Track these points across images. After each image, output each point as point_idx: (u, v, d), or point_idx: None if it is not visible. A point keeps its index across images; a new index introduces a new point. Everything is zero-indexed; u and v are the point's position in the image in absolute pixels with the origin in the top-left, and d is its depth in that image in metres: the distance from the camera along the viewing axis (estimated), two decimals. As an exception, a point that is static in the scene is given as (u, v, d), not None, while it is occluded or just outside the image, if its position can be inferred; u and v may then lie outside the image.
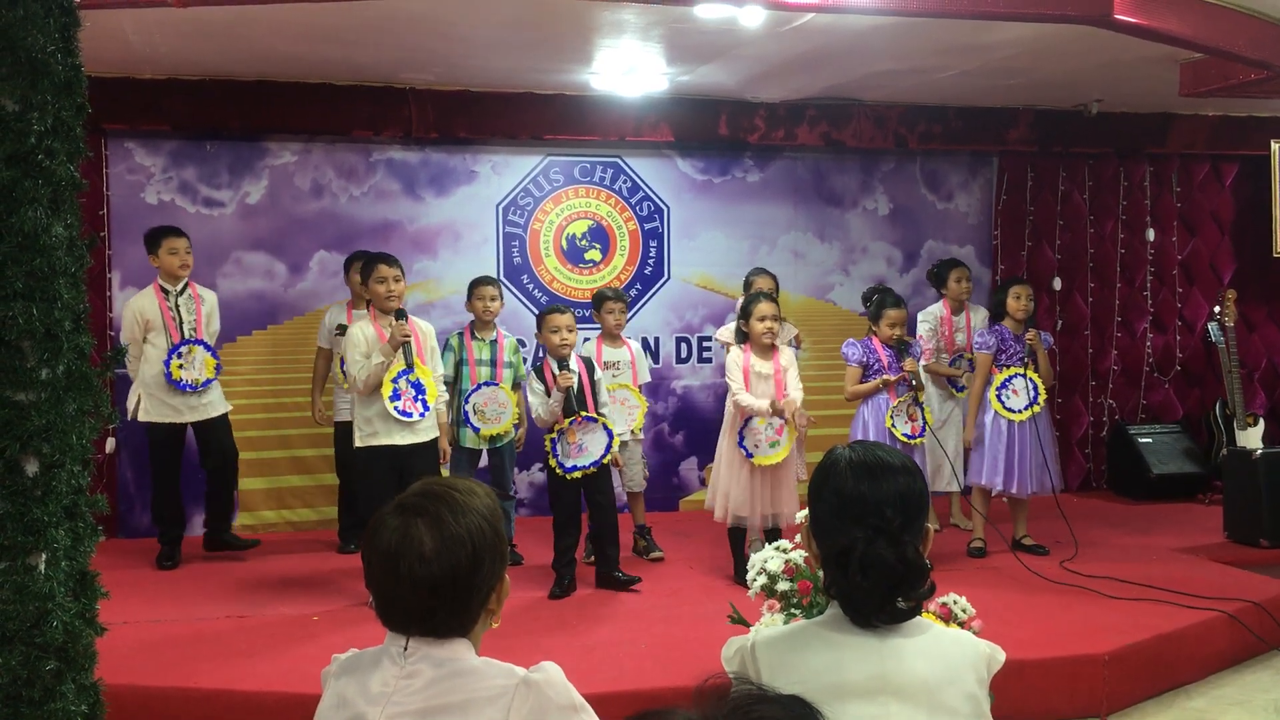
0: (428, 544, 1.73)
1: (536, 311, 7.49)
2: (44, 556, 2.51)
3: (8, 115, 2.48)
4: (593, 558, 5.85)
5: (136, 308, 6.01)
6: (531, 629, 4.96)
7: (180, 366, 5.95)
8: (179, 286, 6.05)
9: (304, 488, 7.14)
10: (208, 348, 6.07)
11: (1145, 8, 5.07)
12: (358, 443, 5.39)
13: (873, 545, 1.82)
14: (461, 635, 1.79)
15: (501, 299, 6.22)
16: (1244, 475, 6.59)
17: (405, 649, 1.77)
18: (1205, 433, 8.23)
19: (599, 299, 6.41)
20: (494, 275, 6.98)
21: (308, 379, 6.83)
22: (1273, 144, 8.05)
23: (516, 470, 6.96)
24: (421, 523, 1.75)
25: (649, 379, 6.56)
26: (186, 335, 6.00)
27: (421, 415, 5.35)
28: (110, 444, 6.72)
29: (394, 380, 5.30)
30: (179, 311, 6.01)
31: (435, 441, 5.49)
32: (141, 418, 6.01)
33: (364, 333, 5.36)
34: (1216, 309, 7.71)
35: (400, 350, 5.28)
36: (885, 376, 5.85)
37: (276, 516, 7.09)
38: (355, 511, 6.53)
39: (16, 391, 2.48)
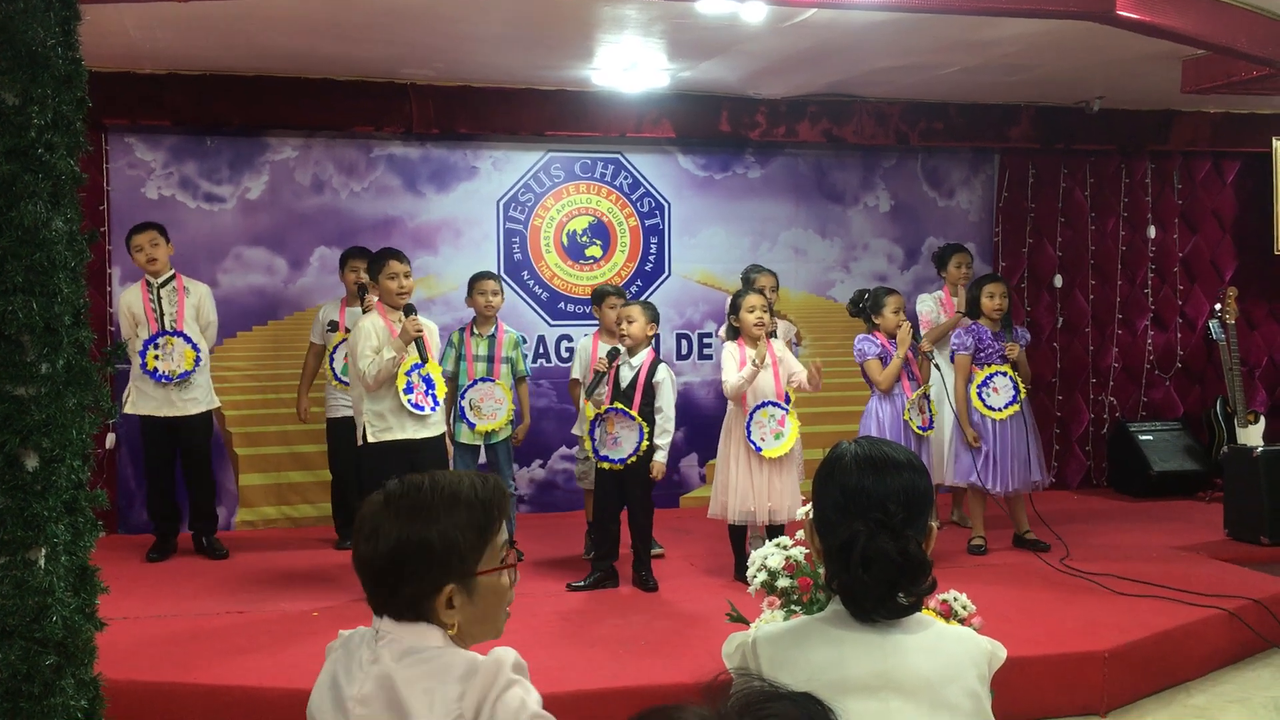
0: (370, 525, 1.79)
1: (537, 307, 7.56)
2: (44, 551, 2.50)
3: (8, 109, 2.47)
4: (593, 554, 5.86)
5: (124, 303, 6.09)
6: (531, 624, 4.95)
7: (156, 358, 5.94)
8: (160, 279, 6.06)
9: (304, 483, 7.14)
10: (187, 339, 6.02)
11: (1147, 4, 5.05)
12: (370, 438, 5.33)
13: (875, 539, 1.81)
14: (421, 619, 1.77)
15: (502, 294, 6.22)
16: (1245, 473, 6.58)
17: (377, 632, 1.81)
18: (1206, 430, 8.22)
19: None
20: (494, 270, 6.99)
21: (308, 375, 6.84)
22: (1275, 141, 8.05)
23: (516, 467, 6.96)
24: (384, 504, 1.80)
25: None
26: (167, 327, 5.99)
27: (433, 409, 5.36)
28: (110, 439, 6.72)
29: (406, 374, 5.30)
30: (159, 303, 6.02)
31: (443, 437, 5.50)
32: (128, 410, 6.04)
33: (375, 326, 5.33)
34: (1218, 306, 7.71)
35: (413, 345, 5.28)
36: (903, 347, 5.96)
37: (276, 512, 7.09)
38: (349, 506, 6.53)
39: (16, 386, 2.48)
